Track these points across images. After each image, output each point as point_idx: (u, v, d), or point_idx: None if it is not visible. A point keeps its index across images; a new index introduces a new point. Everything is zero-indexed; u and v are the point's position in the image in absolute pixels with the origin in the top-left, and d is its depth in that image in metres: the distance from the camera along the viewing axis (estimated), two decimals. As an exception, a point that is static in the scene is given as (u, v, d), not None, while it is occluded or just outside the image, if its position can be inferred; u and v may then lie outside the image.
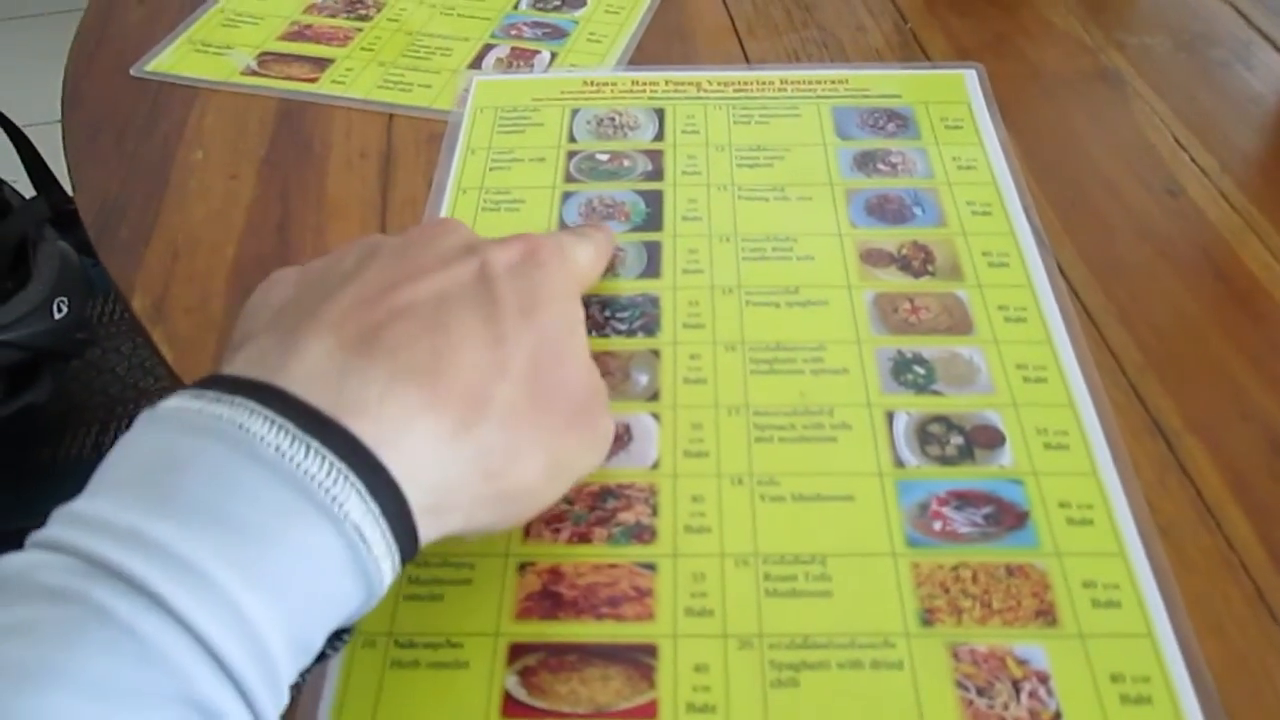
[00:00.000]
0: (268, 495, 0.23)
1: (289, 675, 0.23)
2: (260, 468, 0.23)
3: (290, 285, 0.30)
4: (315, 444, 0.23)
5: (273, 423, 0.23)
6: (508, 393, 0.28)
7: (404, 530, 0.25)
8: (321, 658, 0.25)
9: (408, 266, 0.29)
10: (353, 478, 0.23)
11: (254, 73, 0.52)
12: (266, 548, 0.22)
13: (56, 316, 0.69)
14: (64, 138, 0.50)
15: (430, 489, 0.25)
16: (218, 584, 0.21)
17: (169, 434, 0.24)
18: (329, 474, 0.23)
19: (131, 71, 0.53)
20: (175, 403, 0.24)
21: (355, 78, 0.51)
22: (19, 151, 0.84)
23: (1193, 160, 0.45)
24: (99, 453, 0.73)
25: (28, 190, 0.84)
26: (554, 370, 0.29)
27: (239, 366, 0.26)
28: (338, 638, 0.25)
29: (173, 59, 0.54)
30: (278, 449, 0.23)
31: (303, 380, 0.25)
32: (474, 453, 0.26)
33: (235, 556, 0.22)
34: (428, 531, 0.26)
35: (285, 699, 0.23)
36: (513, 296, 0.29)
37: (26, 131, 0.88)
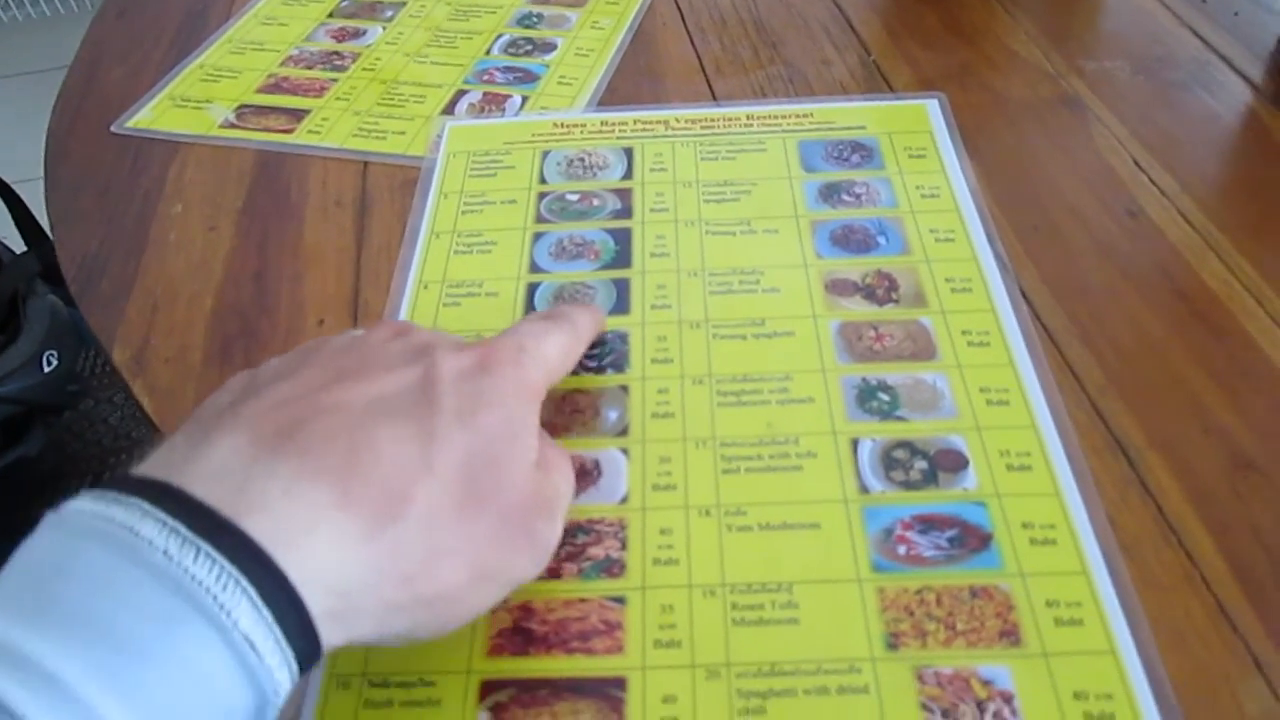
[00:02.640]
0: (150, 603, 0.22)
1: None
2: (144, 573, 0.22)
3: (236, 388, 0.29)
4: (206, 547, 0.23)
5: (164, 525, 0.23)
6: (432, 493, 0.26)
7: (302, 635, 0.24)
8: None
9: (348, 367, 0.29)
10: (244, 582, 0.23)
11: (232, 125, 0.53)
12: (144, 660, 0.21)
13: (47, 369, 0.70)
14: (46, 194, 0.51)
15: (335, 592, 0.24)
16: (84, 701, 0.20)
17: (61, 537, 0.23)
18: (218, 579, 0.22)
19: (113, 128, 0.54)
20: (76, 504, 0.24)
21: (331, 127, 0.52)
22: (9, 207, 0.85)
23: (1152, 181, 0.46)
24: (92, 503, 0.74)
25: (18, 245, 0.85)
26: (489, 474, 0.28)
27: (147, 465, 0.25)
28: None
29: (153, 115, 0.55)
30: (165, 553, 0.22)
31: (205, 479, 0.24)
32: (388, 555, 0.25)
33: (109, 670, 0.21)
34: (332, 637, 0.25)
35: None
36: (453, 400, 0.28)
37: (17, 188, 0.90)
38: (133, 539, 0.22)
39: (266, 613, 0.23)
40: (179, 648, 0.22)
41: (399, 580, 0.26)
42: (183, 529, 0.23)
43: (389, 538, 0.25)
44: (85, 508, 0.24)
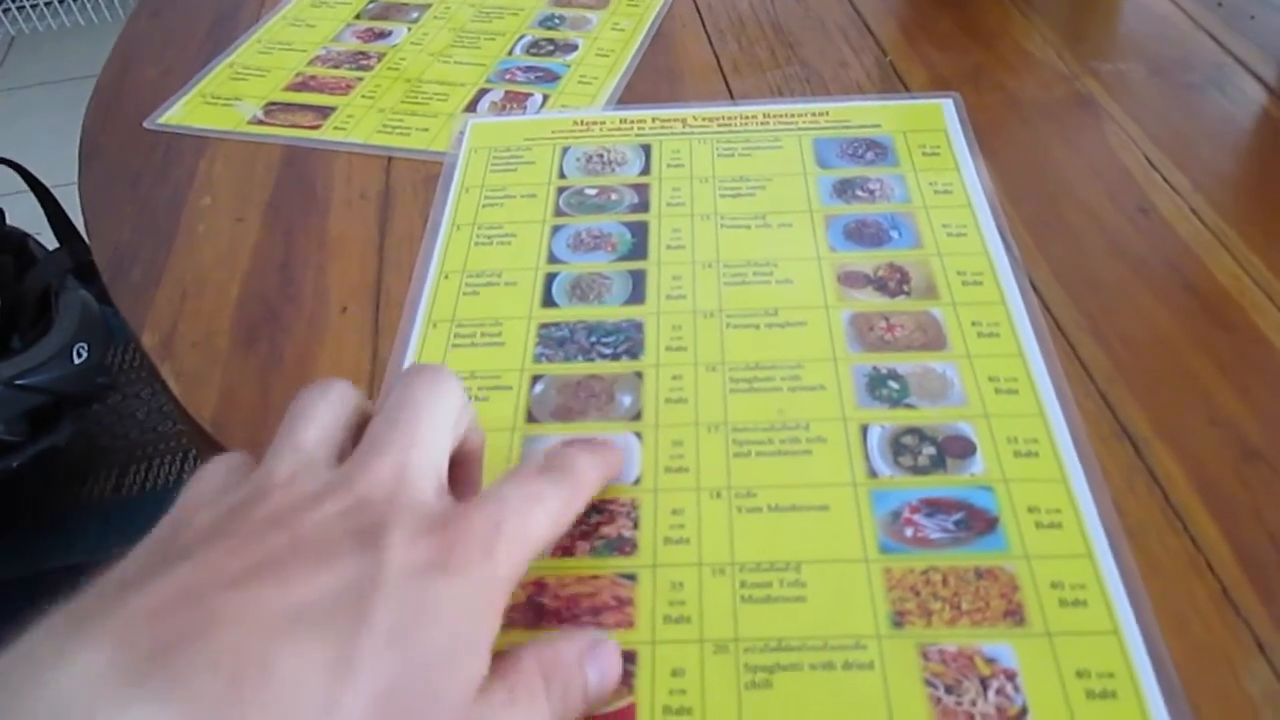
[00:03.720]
0: None
1: None
2: None
3: (142, 552, 0.25)
4: None
5: None
6: None
7: None
8: None
9: (274, 552, 0.24)
10: None
11: (260, 122, 0.55)
12: None
13: (76, 361, 0.71)
14: (80, 188, 0.52)
15: None
16: None
17: None
18: None
19: (145, 124, 0.56)
20: None
21: (356, 124, 0.54)
22: (43, 207, 0.87)
23: (1165, 180, 0.46)
24: (119, 495, 0.76)
25: (51, 243, 0.87)
26: (416, 710, 0.22)
27: (4, 659, 0.21)
28: None
29: (184, 111, 0.56)
30: None
31: (44, 713, 0.20)
32: None
33: None
34: None
35: None
36: (390, 613, 0.23)
37: (58, 192, 0.92)
38: None
39: None
40: None
41: None
42: None
43: None
44: None
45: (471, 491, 0.32)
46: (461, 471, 0.31)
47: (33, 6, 2.26)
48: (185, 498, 0.28)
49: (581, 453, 0.32)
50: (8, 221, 0.80)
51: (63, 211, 0.87)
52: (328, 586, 0.23)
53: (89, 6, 2.27)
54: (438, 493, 0.28)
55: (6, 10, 2.27)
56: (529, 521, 0.27)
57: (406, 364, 0.40)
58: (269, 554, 0.24)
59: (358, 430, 0.30)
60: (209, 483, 0.28)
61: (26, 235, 0.82)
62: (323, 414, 0.29)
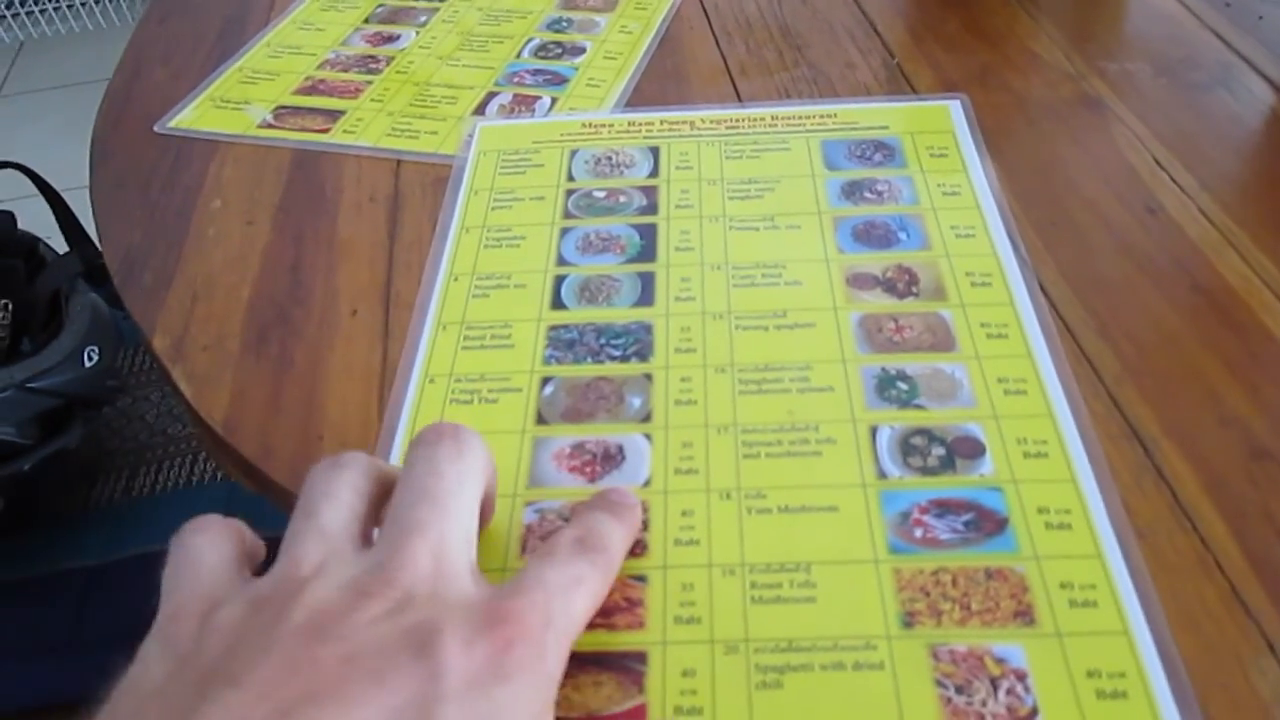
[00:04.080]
0: None
1: None
2: None
3: (172, 659, 0.24)
4: None
5: None
6: None
7: None
8: None
9: (321, 672, 0.22)
10: None
11: (270, 126, 0.55)
12: None
13: (87, 364, 0.71)
14: (91, 192, 0.53)
15: None
16: None
17: None
18: None
19: (155, 128, 0.56)
20: None
21: (365, 127, 0.54)
22: (53, 210, 0.87)
23: (1172, 179, 0.46)
24: (129, 498, 0.76)
25: (61, 246, 0.87)
26: None
27: None
28: None
29: (194, 115, 0.56)
30: None
31: None
32: None
33: None
34: None
35: None
36: None
37: (66, 195, 0.92)
38: None
39: None
40: None
41: None
42: None
43: None
44: None
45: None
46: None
47: (40, 11, 2.27)
48: (183, 581, 0.27)
49: (614, 525, 0.31)
50: (18, 226, 0.81)
51: (72, 215, 0.88)
52: (389, 705, 0.22)
53: (96, 11, 2.28)
54: (474, 573, 0.27)
55: (15, 16, 2.28)
56: (572, 608, 0.27)
57: (416, 367, 0.40)
58: (323, 676, 0.22)
59: (380, 501, 0.29)
60: (207, 562, 0.27)
61: (37, 239, 0.83)
62: (344, 491, 0.29)
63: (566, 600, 0.27)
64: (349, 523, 0.28)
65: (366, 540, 0.28)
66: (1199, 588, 0.31)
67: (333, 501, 0.28)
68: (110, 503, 0.74)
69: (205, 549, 0.28)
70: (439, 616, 0.24)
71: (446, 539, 0.27)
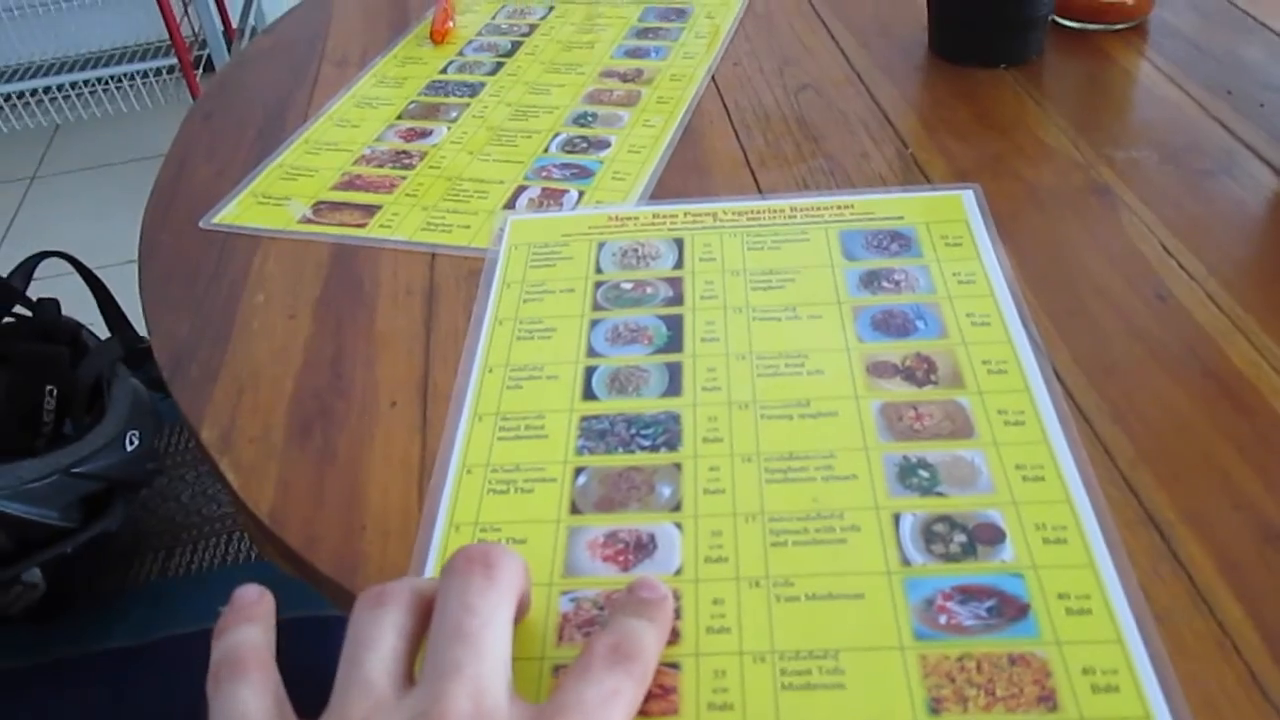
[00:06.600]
0: None
1: None
2: None
3: None
4: None
5: None
6: None
7: None
8: None
9: None
10: None
11: (310, 221, 0.57)
12: None
13: (129, 448, 0.74)
14: (140, 286, 0.55)
15: None
16: None
17: None
18: None
19: (200, 224, 0.59)
20: None
21: (401, 221, 0.56)
22: (95, 295, 0.90)
23: (1180, 266, 0.48)
24: (164, 577, 0.77)
25: (102, 330, 0.90)
26: None
27: None
28: None
29: (237, 211, 0.59)
30: None
31: None
32: None
33: None
34: None
35: None
36: None
37: (100, 273, 0.96)
38: None
39: None
40: None
41: None
42: None
43: None
44: None
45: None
46: None
47: (78, 95, 2.35)
48: None
49: (646, 629, 0.32)
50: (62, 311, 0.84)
51: (112, 299, 0.91)
52: None
53: (131, 94, 2.36)
54: (512, 702, 0.29)
55: (53, 100, 2.36)
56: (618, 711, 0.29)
57: (454, 458, 0.41)
58: None
59: (422, 630, 0.31)
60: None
61: (80, 325, 0.86)
62: (386, 635, 0.31)
63: (608, 712, 0.29)
64: (391, 667, 0.30)
65: (410, 679, 0.30)
66: (1218, 671, 0.32)
67: (375, 649, 0.30)
68: (147, 583, 0.75)
69: (249, 700, 0.30)
70: None
71: (483, 678, 0.29)
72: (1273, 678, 0.32)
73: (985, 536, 0.36)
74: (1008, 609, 0.34)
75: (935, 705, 0.32)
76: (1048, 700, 0.31)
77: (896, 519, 0.37)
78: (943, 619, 0.34)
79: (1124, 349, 0.44)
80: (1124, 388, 0.42)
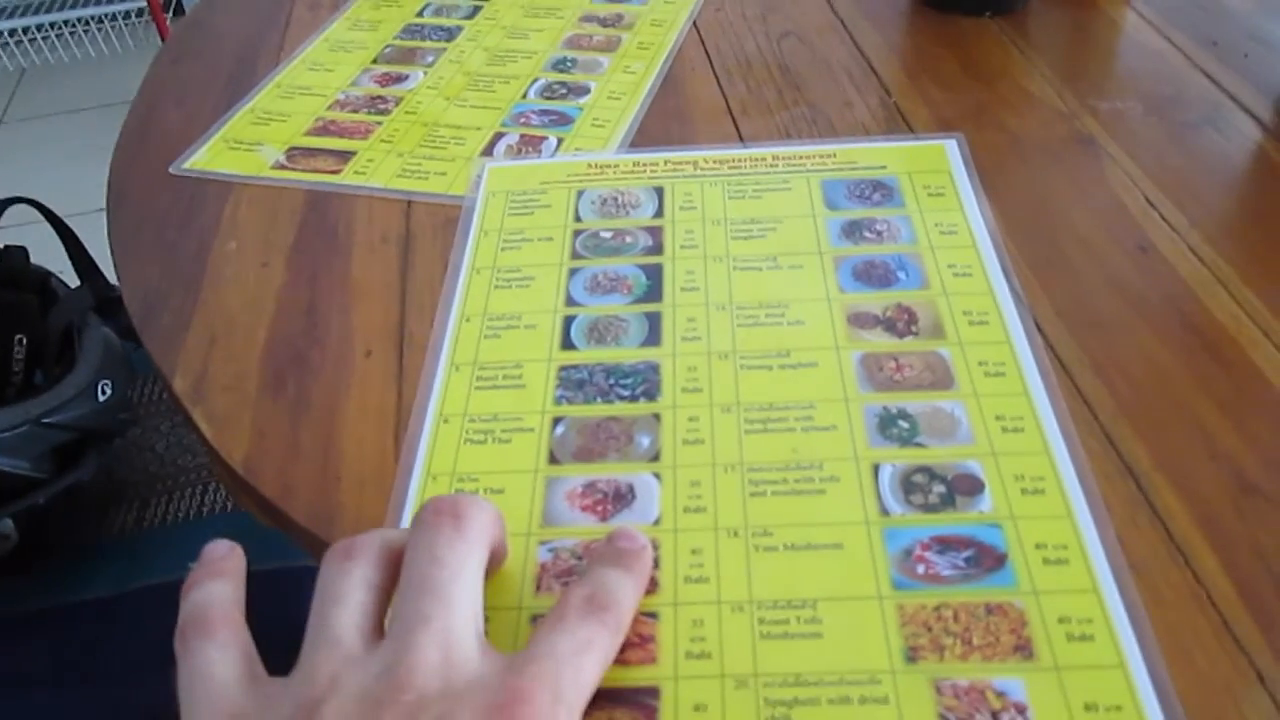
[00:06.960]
0: None
1: None
2: None
3: None
4: None
5: None
6: None
7: None
8: None
9: None
10: None
11: (283, 167, 0.56)
12: None
13: (101, 398, 0.73)
14: (109, 234, 0.54)
15: None
16: None
17: None
18: None
19: (170, 170, 0.57)
20: None
21: (376, 168, 0.55)
22: (64, 243, 0.89)
23: (1163, 218, 0.48)
24: (140, 529, 0.77)
25: (72, 279, 0.89)
26: None
27: None
28: None
29: (208, 156, 0.58)
30: None
31: None
32: None
33: None
34: None
35: None
36: None
37: (70, 220, 0.94)
38: None
39: None
40: None
41: None
42: None
43: None
44: None
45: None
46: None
47: (44, 39, 2.29)
48: (199, 702, 0.28)
49: (623, 579, 0.32)
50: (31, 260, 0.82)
51: (83, 248, 0.89)
52: None
53: (99, 38, 2.30)
54: (483, 651, 0.29)
55: (19, 43, 2.30)
56: (583, 676, 0.28)
57: (431, 408, 0.41)
58: None
59: (392, 582, 0.31)
60: (220, 678, 0.29)
61: (49, 273, 0.84)
62: (354, 591, 0.30)
63: (577, 669, 0.28)
64: (360, 622, 0.29)
65: (379, 633, 0.30)
66: (1192, 621, 0.32)
67: (343, 604, 0.30)
68: (122, 534, 0.75)
69: (216, 661, 0.29)
70: (451, 712, 0.26)
71: (452, 630, 0.28)
72: (1245, 627, 0.32)
73: (964, 487, 0.36)
74: (985, 559, 0.34)
75: (912, 654, 0.32)
76: (1024, 649, 0.32)
77: (876, 469, 0.37)
78: (921, 569, 0.34)
79: (1105, 301, 0.44)
80: (1105, 340, 0.42)
